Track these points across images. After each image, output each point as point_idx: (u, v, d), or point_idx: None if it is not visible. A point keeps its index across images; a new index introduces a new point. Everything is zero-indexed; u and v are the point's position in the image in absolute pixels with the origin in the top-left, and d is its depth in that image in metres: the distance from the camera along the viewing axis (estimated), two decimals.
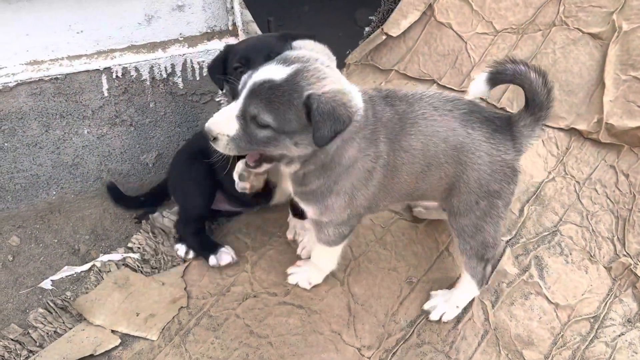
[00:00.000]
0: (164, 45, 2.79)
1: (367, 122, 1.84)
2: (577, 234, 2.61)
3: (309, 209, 2.05)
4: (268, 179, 2.27)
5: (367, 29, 3.44)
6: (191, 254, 2.57)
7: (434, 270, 2.48)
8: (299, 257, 2.50)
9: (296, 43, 1.84)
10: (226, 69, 2.23)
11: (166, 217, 2.78)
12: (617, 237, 2.62)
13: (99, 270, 2.59)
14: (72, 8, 2.56)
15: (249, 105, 1.69)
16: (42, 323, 2.39)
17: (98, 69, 2.67)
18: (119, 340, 2.28)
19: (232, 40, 2.75)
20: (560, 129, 2.92)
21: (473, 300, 2.36)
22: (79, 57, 2.69)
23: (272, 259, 2.53)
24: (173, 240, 2.66)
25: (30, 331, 2.37)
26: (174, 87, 2.85)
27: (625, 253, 2.57)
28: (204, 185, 2.54)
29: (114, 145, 2.90)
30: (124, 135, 2.89)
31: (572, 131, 2.91)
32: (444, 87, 3.09)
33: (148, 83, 2.79)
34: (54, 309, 2.44)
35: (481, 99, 2.85)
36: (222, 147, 1.75)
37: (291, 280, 2.42)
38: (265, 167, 1.91)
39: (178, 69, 2.79)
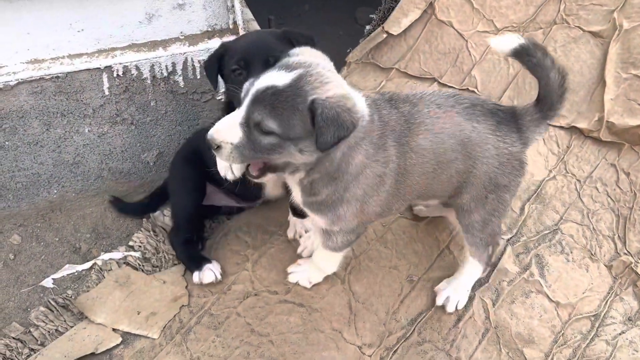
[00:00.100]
0: (164, 43, 2.79)
1: (373, 127, 1.82)
2: (577, 233, 2.61)
3: (319, 220, 2.03)
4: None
5: (367, 27, 3.44)
6: (197, 279, 2.46)
7: (435, 268, 2.48)
8: (299, 256, 2.50)
9: (295, 50, 1.82)
10: (222, 68, 2.21)
11: (167, 216, 2.79)
12: (618, 236, 2.62)
13: (100, 268, 2.59)
14: (73, 6, 2.56)
15: (252, 112, 1.66)
16: (44, 321, 2.40)
17: (99, 68, 2.67)
18: (120, 339, 2.29)
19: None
20: (561, 128, 2.92)
21: (474, 298, 2.36)
22: (79, 55, 2.69)
23: (273, 258, 2.53)
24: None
25: (31, 330, 2.37)
26: (174, 86, 2.85)
27: (625, 251, 2.57)
28: (193, 188, 2.55)
29: (115, 143, 2.90)
30: (124, 134, 2.89)
31: (572, 129, 2.91)
32: (445, 85, 3.09)
33: (149, 82, 2.79)
34: (55, 308, 2.45)
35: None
36: (225, 155, 1.72)
37: (291, 278, 2.42)
38: (268, 176, 1.87)
39: (179, 67, 2.79)
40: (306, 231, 2.54)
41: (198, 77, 2.85)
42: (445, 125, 1.92)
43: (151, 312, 2.37)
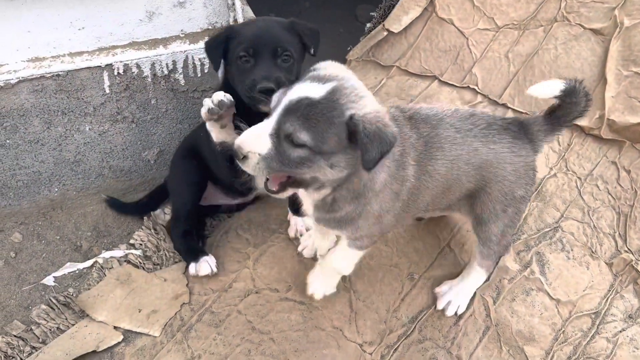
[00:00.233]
0: (165, 41, 2.79)
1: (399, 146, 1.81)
2: (578, 230, 2.61)
3: (337, 233, 2.01)
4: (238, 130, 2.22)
5: (368, 25, 3.44)
6: (193, 271, 2.48)
7: (436, 266, 2.48)
8: (300, 255, 2.50)
9: (320, 64, 1.76)
10: (226, 52, 2.20)
11: (168, 214, 2.79)
12: (619, 233, 2.62)
13: (101, 266, 2.59)
14: (73, 5, 2.56)
15: (284, 122, 1.60)
16: (45, 319, 2.40)
17: (99, 66, 2.67)
18: (122, 337, 2.29)
19: None
20: None
21: (474, 296, 2.37)
22: (80, 53, 2.69)
23: (273, 256, 2.53)
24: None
25: (33, 327, 2.38)
26: (175, 84, 2.85)
27: (626, 249, 2.57)
28: (192, 182, 2.56)
29: (116, 142, 2.91)
30: (125, 132, 2.90)
31: (573, 127, 2.91)
32: (446, 83, 3.08)
33: (149, 80, 2.79)
34: (56, 306, 2.45)
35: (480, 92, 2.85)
36: (251, 167, 1.65)
37: (310, 290, 2.33)
38: (289, 192, 1.82)
39: (179, 65, 2.79)
40: (307, 229, 2.55)
41: (199, 75, 2.85)
42: (462, 152, 1.94)
43: (152, 310, 2.37)
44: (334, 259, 2.22)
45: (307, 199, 1.94)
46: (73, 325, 2.37)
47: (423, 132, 1.91)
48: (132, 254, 2.62)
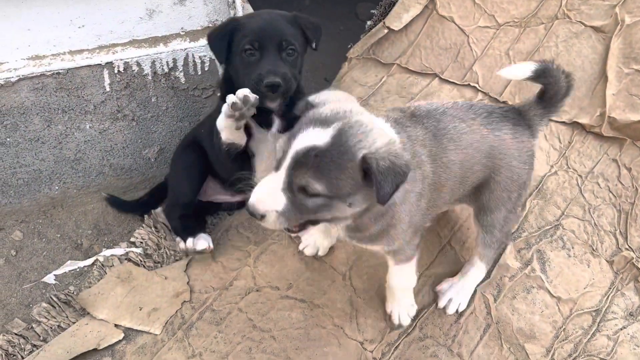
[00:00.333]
0: (165, 39, 2.79)
1: (406, 149, 1.78)
2: (579, 228, 2.61)
3: (373, 248, 2.00)
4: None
5: (368, 22, 3.43)
6: (191, 245, 2.52)
7: (436, 264, 2.48)
8: (301, 253, 2.50)
9: (317, 97, 1.71)
10: (230, 46, 2.19)
11: None
12: (620, 231, 2.62)
13: (102, 264, 2.59)
14: (73, 2, 2.55)
15: (295, 176, 1.57)
16: (46, 317, 2.40)
17: (100, 64, 2.67)
18: (123, 335, 2.29)
19: None
20: (563, 123, 2.91)
21: (475, 294, 2.37)
22: (80, 51, 2.69)
23: (274, 253, 2.53)
24: (175, 234, 2.67)
25: (34, 325, 2.38)
26: (175, 82, 2.85)
27: (627, 247, 2.57)
28: (192, 174, 2.57)
29: (116, 140, 2.91)
30: (125, 130, 2.89)
31: (574, 125, 2.90)
32: (446, 81, 3.08)
33: (150, 78, 2.78)
34: (57, 304, 2.45)
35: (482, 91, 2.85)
36: (271, 223, 1.63)
37: (394, 321, 2.29)
38: (310, 230, 1.82)
39: (180, 63, 2.79)
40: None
41: (199, 73, 2.85)
42: (473, 140, 1.95)
43: (153, 308, 2.37)
44: (395, 282, 2.19)
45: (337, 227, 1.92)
46: (74, 323, 2.37)
47: (429, 126, 1.90)
48: (132, 252, 2.62)
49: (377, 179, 1.52)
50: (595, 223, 2.63)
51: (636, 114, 2.78)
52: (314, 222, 1.75)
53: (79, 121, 2.77)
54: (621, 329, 2.34)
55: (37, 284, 2.61)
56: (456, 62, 3.13)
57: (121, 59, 2.69)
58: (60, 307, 2.44)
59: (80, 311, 2.42)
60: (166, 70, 2.78)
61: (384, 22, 3.18)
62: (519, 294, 2.40)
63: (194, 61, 2.80)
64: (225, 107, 2.04)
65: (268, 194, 1.61)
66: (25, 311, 2.50)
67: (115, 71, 2.70)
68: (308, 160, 1.54)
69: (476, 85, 3.05)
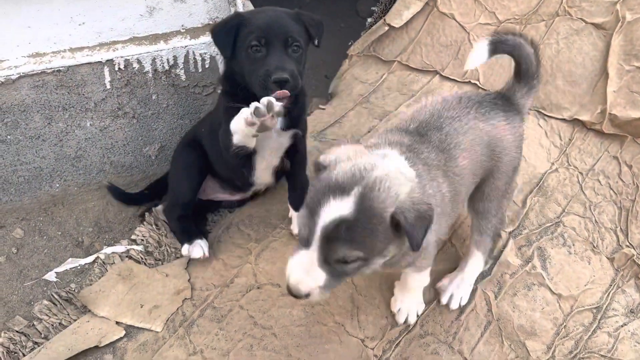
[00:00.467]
0: (166, 37, 2.78)
1: (428, 182, 1.78)
2: (580, 225, 2.61)
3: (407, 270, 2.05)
4: None
5: (369, 20, 3.43)
6: (186, 252, 2.50)
7: (437, 261, 2.47)
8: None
9: (326, 158, 1.67)
10: (236, 40, 2.18)
11: None
12: (620, 228, 2.62)
13: (103, 262, 2.59)
14: (73, 0, 2.55)
15: (330, 250, 1.57)
16: (47, 315, 2.40)
17: (100, 61, 2.66)
18: (124, 332, 2.30)
19: None
20: (564, 120, 2.92)
21: (476, 291, 2.37)
22: (81, 49, 2.68)
23: (275, 251, 2.53)
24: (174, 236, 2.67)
25: (35, 323, 2.38)
26: (176, 79, 2.84)
27: (628, 244, 2.57)
28: (192, 174, 2.57)
29: (117, 137, 2.90)
30: (126, 128, 2.89)
31: (575, 122, 2.91)
32: (447, 78, 3.08)
33: (150, 75, 2.78)
34: (58, 301, 2.45)
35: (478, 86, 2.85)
36: (317, 298, 1.65)
37: (401, 319, 2.30)
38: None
39: (180, 60, 2.79)
40: None
41: (200, 70, 2.84)
42: (473, 135, 1.96)
43: (154, 306, 2.37)
44: (410, 283, 2.22)
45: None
46: (75, 320, 2.37)
47: (434, 140, 1.89)
48: (133, 249, 2.62)
49: (408, 230, 1.52)
50: (596, 220, 2.63)
51: (637, 111, 2.78)
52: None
53: (79, 119, 2.77)
54: (622, 326, 2.34)
55: (38, 282, 2.61)
56: (457, 59, 3.13)
57: (122, 57, 2.68)
58: (61, 304, 2.45)
59: (81, 309, 2.42)
60: (167, 67, 2.78)
61: (384, 19, 3.18)
62: (520, 291, 2.40)
63: (194, 58, 2.80)
64: (246, 114, 2.01)
65: (306, 272, 1.61)
66: (26, 309, 2.50)
67: (116, 68, 2.70)
68: (339, 233, 1.53)
69: (477, 83, 3.05)
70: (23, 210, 2.91)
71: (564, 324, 2.33)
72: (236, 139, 2.14)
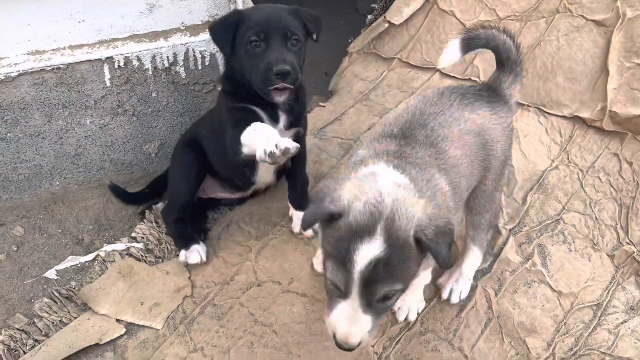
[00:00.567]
0: (165, 34, 2.78)
1: (425, 184, 1.77)
2: (580, 222, 2.61)
3: None
4: None
5: (369, 17, 3.43)
6: (183, 259, 2.50)
7: None
8: (302, 248, 2.50)
9: (332, 203, 1.60)
10: (235, 37, 2.18)
11: None
12: (620, 225, 2.62)
13: (103, 260, 2.59)
14: None
15: (370, 293, 1.56)
16: (48, 312, 2.40)
17: (100, 59, 2.66)
18: (124, 329, 2.30)
19: None
20: (564, 117, 2.91)
21: (476, 288, 2.37)
22: (80, 46, 2.68)
23: (275, 248, 2.53)
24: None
25: (35, 321, 2.38)
26: (176, 77, 2.84)
27: (628, 241, 2.57)
28: (190, 175, 2.57)
29: (117, 135, 2.90)
30: (126, 125, 2.89)
31: (575, 119, 2.90)
32: (447, 75, 3.08)
33: (150, 72, 2.78)
34: (59, 299, 2.45)
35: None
36: (367, 342, 1.65)
37: (401, 316, 2.30)
38: None
39: (180, 58, 2.78)
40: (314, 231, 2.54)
41: (199, 67, 2.84)
42: (460, 126, 1.94)
43: (154, 303, 2.37)
44: (414, 281, 2.18)
45: None
46: (75, 318, 2.37)
47: (420, 138, 1.87)
48: (134, 247, 2.62)
49: (431, 247, 1.52)
50: (596, 217, 2.63)
51: (637, 108, 2.78)
52: None
53: (79, 116, 2.77)
54: (622, 323, 2.34)
55: (39, 279, 2.61)
56: None
57: (121, 54, 2.68)
58: (61, 302, 2.45)
59: (81, 306, 2.42)
60: (166, 65, 2.78)
61: (384, 16, 3.18)
62: (520, 288, 2.40)
63: (194, 56, 2.79)
64: (260, 152, 2.00)
65: (352, 323, 1.60)
66: (27, 306, 2.50)
67: (116, 66, 2.69)
68: (379, 274, 1.52)
69: (477, 79, 3.04)
70: (23, 208, 2.91)
71: (564, 321, 2.33)
72: (247, 150, 2.15)
